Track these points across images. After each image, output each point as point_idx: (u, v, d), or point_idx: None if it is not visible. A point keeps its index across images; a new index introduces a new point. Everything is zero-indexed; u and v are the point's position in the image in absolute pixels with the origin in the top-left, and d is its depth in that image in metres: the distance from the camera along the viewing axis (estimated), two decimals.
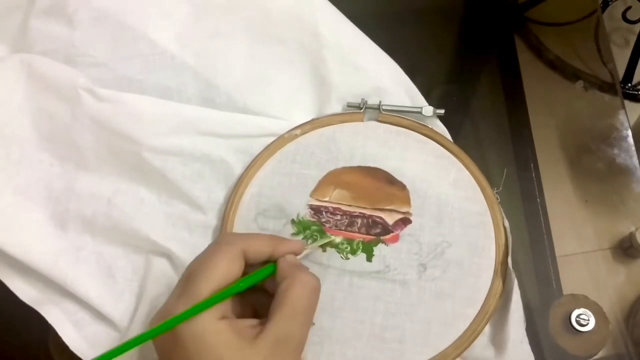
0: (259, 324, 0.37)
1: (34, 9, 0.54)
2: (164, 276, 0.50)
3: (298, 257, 0.42)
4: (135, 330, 0.48)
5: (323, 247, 0.48)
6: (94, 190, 0.51)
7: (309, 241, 0.48)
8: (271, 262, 0.40)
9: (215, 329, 0.35)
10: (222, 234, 0.40)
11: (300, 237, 0.49)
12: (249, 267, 0.39)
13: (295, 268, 0.39)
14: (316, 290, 0.38)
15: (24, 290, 0.49)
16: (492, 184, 0.50)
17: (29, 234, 0.49)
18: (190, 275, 0.38)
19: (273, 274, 0.39)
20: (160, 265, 0.50)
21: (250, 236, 0.41)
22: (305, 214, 0.49)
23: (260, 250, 0.39)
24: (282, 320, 0.36)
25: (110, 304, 0.49)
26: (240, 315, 0.39)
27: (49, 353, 0.49)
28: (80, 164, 0.52)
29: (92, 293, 0.49)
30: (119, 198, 0.51)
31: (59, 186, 0.51)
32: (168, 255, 0.50)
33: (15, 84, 0.52)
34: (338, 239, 0.49)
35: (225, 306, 0.37)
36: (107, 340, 0.49)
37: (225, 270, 0.37)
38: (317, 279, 0.39)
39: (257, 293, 0.40)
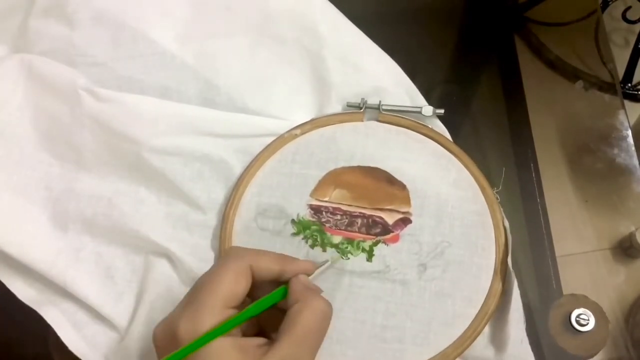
0: (265, 344, 0.36)
1: (33, 9, 0.55)
2: (164, 277, 0.49)
3: (310, 277, 0.41)
4: (135, 331, 0.47)
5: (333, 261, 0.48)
6: (94, 190, 0.51)
7: (322, 259, 0.46)
8: (282, 283, 0.39)
9: (219, 347, 0.34)
10: (231, 247, 0.38)
11: (300, 236, 0.49)
12: (256, 284, 0.39)
13: (308, 291, 0.38)
14: (327, 316, 0.38)
15: (24, 291, 0.49)
16: (492, 184, 0.50)
17: (28, 234, 0.49)
18: (197, 288, 0.37)
19: (284, 297, 0.38)
20: (160, 266, 0.50)
21: (259, 252, 0.40)
22: (305, 213, 0.49)
23: (268, 267, 0.39)
24: (289, 344, 0.35)
25: (110, 305, 0.49)
26: (245, 331, 0.38)
27: (48, 352, 0.49)
28: (80, 164, 0.52)
29: (91, 294, 0.49)
30: (119, 198, 0.51)
31: (59, 186, 0.51)
32: (168, 256, 0.50)
33: (15, 84, 0.52)
34: (337, 239, 0.49)
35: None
36: (106, 340, 0.49)
37: (232, 285, 0.37)
38: (329, 305, 0.38)
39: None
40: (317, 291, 0.39)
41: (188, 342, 0.34)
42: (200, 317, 0.35)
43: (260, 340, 0.37)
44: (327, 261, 0.44)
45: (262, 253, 0.40)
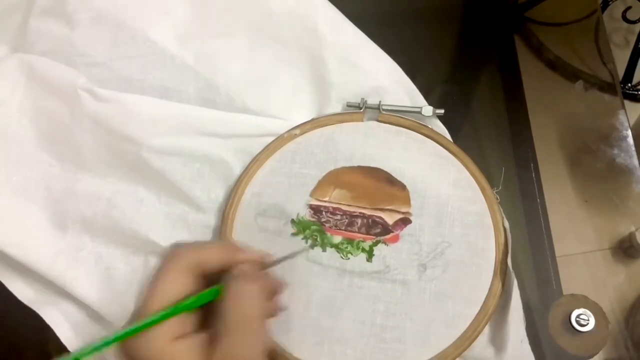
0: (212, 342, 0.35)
1: (33, 9, 0.55)
2: None
3: (273, 267, 0.40)
4: None
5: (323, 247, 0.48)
6: (94, 190, 0.51)
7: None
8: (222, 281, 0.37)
9: (168, 352, 0.34)
10: (172, 246, 0.39)
11: (300, 236, 0.49)
12: (211, 277, 0.37)
13: (233, 279, 0.36)
14: (251, 297, 0.36)
15: (23, 291, 0.49)
16: (492, 184, 0.50)
17: (27, 234, 0.49)
18: (143, 294, 0.36)
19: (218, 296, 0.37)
20: None
21: (201, 246, 0.38)
22: (305, 213, 0.49)
23: (212, 259, 0.37)
24: (223, 340, 0.34)
25: (109, 305, 0.49)
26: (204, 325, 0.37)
27: (48, 353, 0.49)
28: (80, 164, 0.52)
29: (90, 294, 0.49)
30: (119, 198, 0.51)
31: (59, 186, 0.51)
32: None
33: (15, 84, 0.52)
34: (337, 239, 0.49)
35: (178, 325, 0.35)
36: None
37: (172, 286, 0.35)
38: (250, 286, 0.36)
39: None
40: (244, 276, 0.37)
41: (142, 355, 0.34)
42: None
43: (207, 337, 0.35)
44: (295, 252, 0.43)
45: (203, 247, 0.39)
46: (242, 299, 0.35)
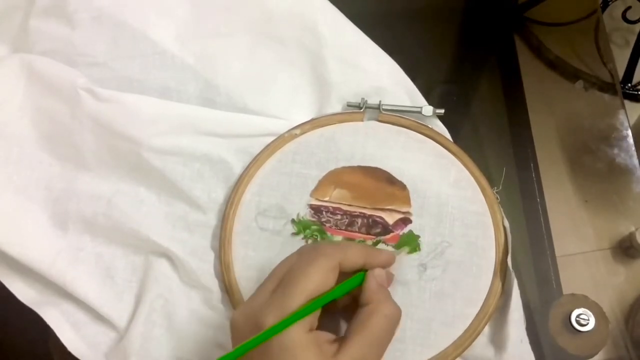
0: (335, 340, 0.37)
1: (34, 8, 0.55)
2: (164, 277, 0.49)
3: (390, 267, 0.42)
4: (134, 331, 0.47)
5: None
6: (94, 190, 0.51)
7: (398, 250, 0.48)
8: (361, 270, 0.40)
9: (304, 342, 0.35)
10: (320, 244, 0.41)
11: (301, 236, 0.49)
12: (340, 275, 0.39)
13: (380, 293, 0.39)
14: (396, 320, 0.39)
15: (23, 291, 0.49)
16: (492, 184, 0.50)
17: (28, 234, 0.49)
18: (284, 281, 0.38)
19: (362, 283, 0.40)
20: (160, 266, 0.50)
21: (347, 247, 0.41)
22: (306, 213, 0.49)
23: (354, 261, 0.40)
24: (360, 345, 0.36)
25: (109, 305, 0.49)
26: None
27: (49, 353, 0.49)
28: (80, 164, 0.52)
29: (91, 294, 0.49)
30: (119, 198, 0.51)
31: (59, 186, 0.51)
32: (168, 256, 0.50)
33: (15, 84, 0.52)
34: (337, 239, 0.49)
35: (314, 318, 0.37)
36: (106, 341, 0.49)
37: (321, 283, 0.37)
38: (398, 309, 0.39)
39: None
40: (388, 293, 0.40)
41: (276, 341, 0.35)
42: (290, 312, 0.36)
43: (331, 335, 0.38)
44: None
45: (348, 248, 0.41)
46: (388, 321, 0.38)
